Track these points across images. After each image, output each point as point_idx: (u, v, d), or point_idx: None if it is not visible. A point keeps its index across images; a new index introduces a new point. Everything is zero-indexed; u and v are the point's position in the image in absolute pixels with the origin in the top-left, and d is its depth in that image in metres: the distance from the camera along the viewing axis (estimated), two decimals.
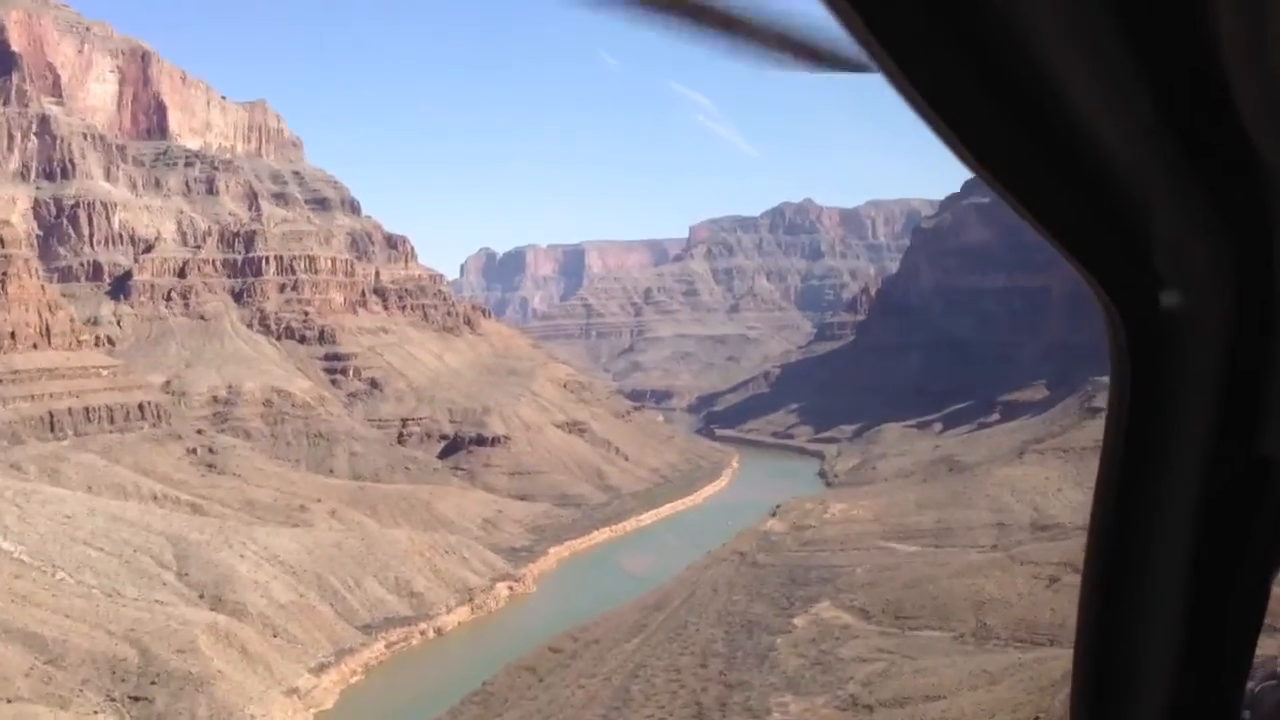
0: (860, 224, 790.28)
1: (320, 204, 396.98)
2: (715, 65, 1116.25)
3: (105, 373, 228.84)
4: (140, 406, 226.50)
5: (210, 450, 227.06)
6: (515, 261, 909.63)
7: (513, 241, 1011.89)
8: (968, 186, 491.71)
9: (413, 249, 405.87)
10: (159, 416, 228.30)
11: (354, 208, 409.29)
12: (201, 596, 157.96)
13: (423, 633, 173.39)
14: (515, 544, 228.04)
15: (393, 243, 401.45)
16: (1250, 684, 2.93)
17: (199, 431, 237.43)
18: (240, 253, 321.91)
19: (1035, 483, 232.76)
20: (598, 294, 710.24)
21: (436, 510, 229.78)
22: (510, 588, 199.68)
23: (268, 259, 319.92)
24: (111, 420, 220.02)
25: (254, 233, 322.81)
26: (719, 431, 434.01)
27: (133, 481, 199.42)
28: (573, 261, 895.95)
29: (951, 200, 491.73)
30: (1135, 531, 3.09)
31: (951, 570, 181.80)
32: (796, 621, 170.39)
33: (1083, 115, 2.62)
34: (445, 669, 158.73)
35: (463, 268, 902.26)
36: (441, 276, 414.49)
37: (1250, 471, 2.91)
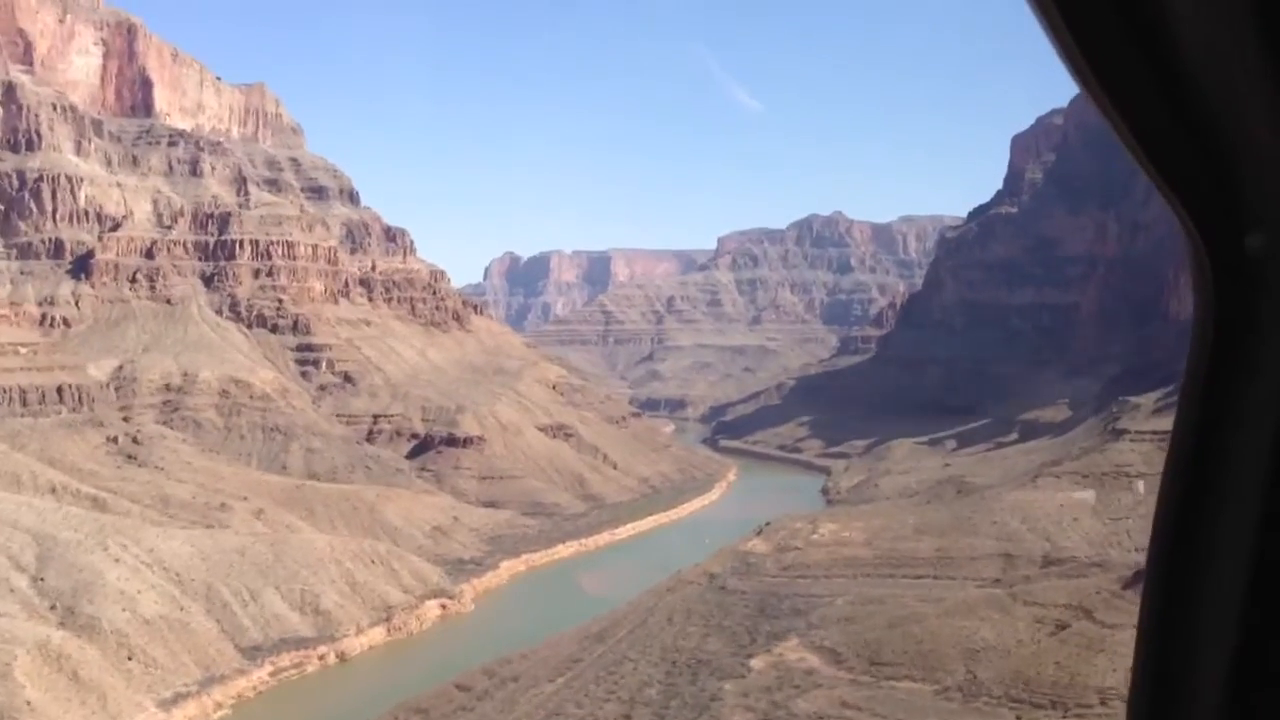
0: (891, 239, 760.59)
1: (317, 192, 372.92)
2: (756, 70, 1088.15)
3: (25, 351, 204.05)
4: (59, 390, 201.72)
5: (135, 440, 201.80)
6: (539, 266, 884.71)
7: (538, 246, 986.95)
8: (998, 197, 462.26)
9: (412, 243, 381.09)
10: (80, 401, 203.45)
11: (353, 198, 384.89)
12: (53, 608, 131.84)
13: (321, 657, 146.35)
14: (465, 555, 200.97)
15: (391, 235, 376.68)
16: None
17: (126, 419, 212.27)
18: (214, 235, 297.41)
19: (1049, 510, 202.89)
20: (618, 301, 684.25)
21: (381, 515, 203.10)
22: (443, 606, 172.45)
23: (242, 242, 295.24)
24: (24, 403, 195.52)
25: (229, 214, 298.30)
26: (724, 442, 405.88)
27: (30, 471, 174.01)
28: (598, 268, 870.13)
29: (979, 211, 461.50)
30: (1207, 486, 2.97)
31: (944, 608, 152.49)
32: (754, 663, 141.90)
33: (1195, 49, 2.63)
34: (329, 705, 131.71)
35: (486, 271, 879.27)
36: (443, 273, 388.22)
37: None
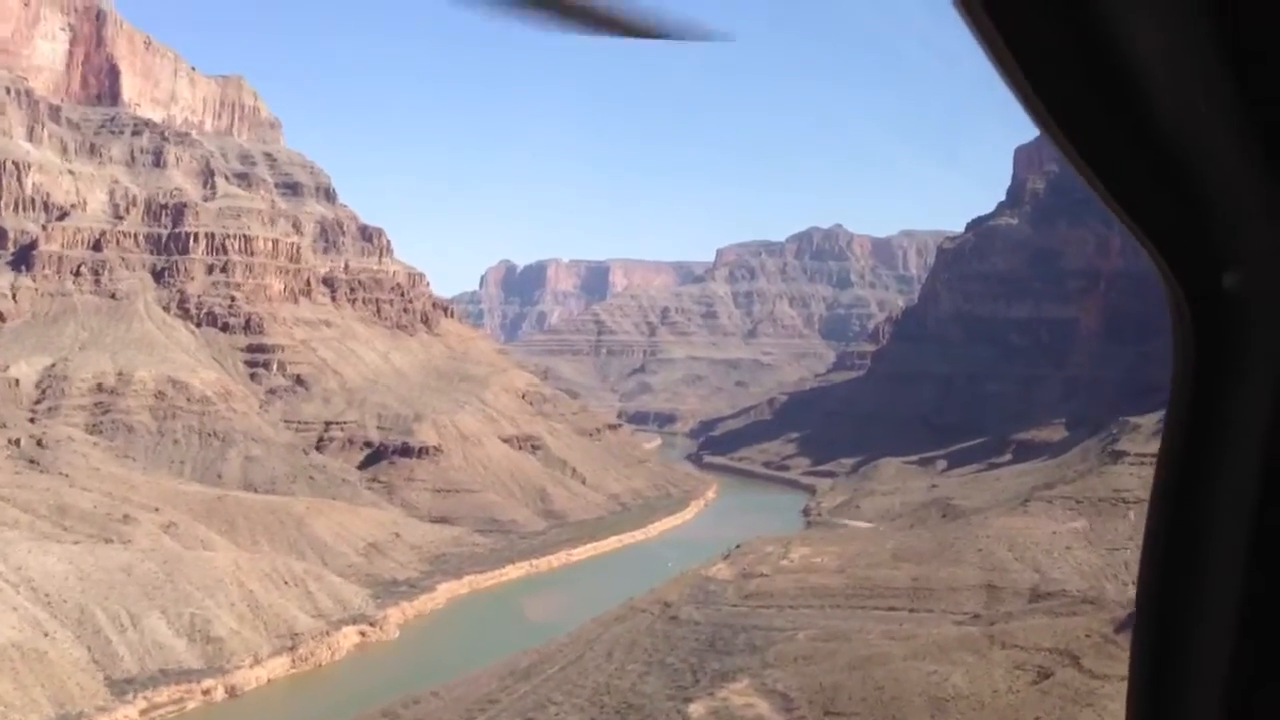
0: (891, 254, 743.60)
1: (291, 189, 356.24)
2: (746, 86, 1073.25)
3: None
4: None
5: (39, 444, 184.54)
6: (536, 275, 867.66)
7: (536, 255, 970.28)
8: (999, 209, 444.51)
9: (389, 243, 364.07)
10: None
11: (329, 195, 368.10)
12: None
13: (206, 692, 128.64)
14: (400, 576, 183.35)
15: (367, 235, 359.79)
16: None
17: (31, 420, 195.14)
18: (167, 227, 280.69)
19: (1039, 537, 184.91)
20: (612, 311, 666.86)
21: (310, 529, 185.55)
22: (362, 633, 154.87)
23: (196, 236, 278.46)
24: None
25: (183, 205, 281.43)
26: (709, 458, 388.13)
27: None
28: (596, 278, 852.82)
29: (978, 222, 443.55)
30: (1194, 520, 2.98)
31: (913, 648, 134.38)
32: (693, 709, 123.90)
33: (1162, 91, 2.60)
34: None
35: (482, 279, 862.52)
36: (421, 276, 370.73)
37: None
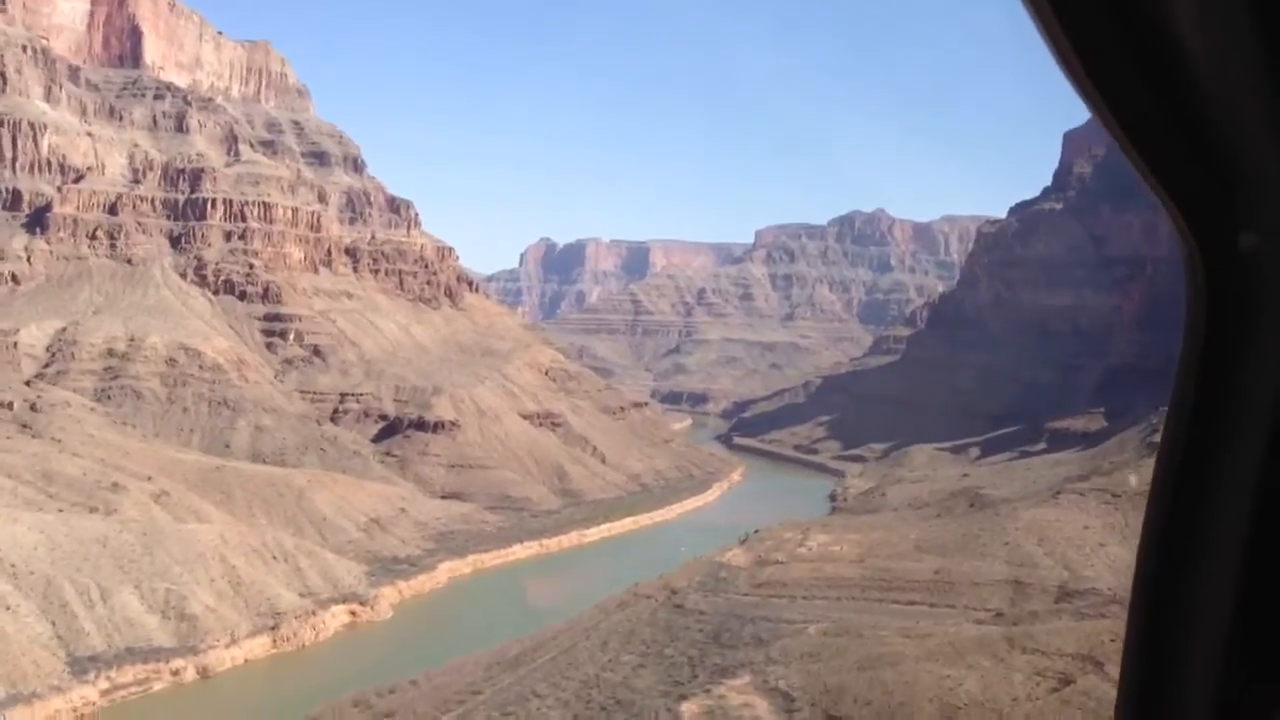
0: (933, 239, 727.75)
1: (318, 158, 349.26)
2: (791, 69, 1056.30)
3: None
4: None
5: (33, 408, 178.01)
6: (575, 254, 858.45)
7: (575, 234, 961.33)
8: (1044, 194, 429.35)
9: (416, 215, 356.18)
10: None
11: (356, 165, 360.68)
12: None
13: (176, 673, 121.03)
14: (401, 553, 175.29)
15: (395, 206, 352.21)
16: None
17: (28, 384, 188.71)
18: (184, 193, 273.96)
19: (1071, 532, 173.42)
20: (649, 290, 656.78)
21: (310, 503, 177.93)
22: (352, 613, 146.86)
23: (214, 202, 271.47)
24: None
25: (201, 171, 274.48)
26: (738, 440, 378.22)
27: None
28: (636, 258, 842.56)
29: (1021, 207, 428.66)
30: (1200, 473, 2.98)
31: (927, 648, 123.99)
32: (686, 707, 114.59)
33: (1196, 54, 2.62)
34: None
35: (522, 257, 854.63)
36: (450, 250, 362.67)
37: None
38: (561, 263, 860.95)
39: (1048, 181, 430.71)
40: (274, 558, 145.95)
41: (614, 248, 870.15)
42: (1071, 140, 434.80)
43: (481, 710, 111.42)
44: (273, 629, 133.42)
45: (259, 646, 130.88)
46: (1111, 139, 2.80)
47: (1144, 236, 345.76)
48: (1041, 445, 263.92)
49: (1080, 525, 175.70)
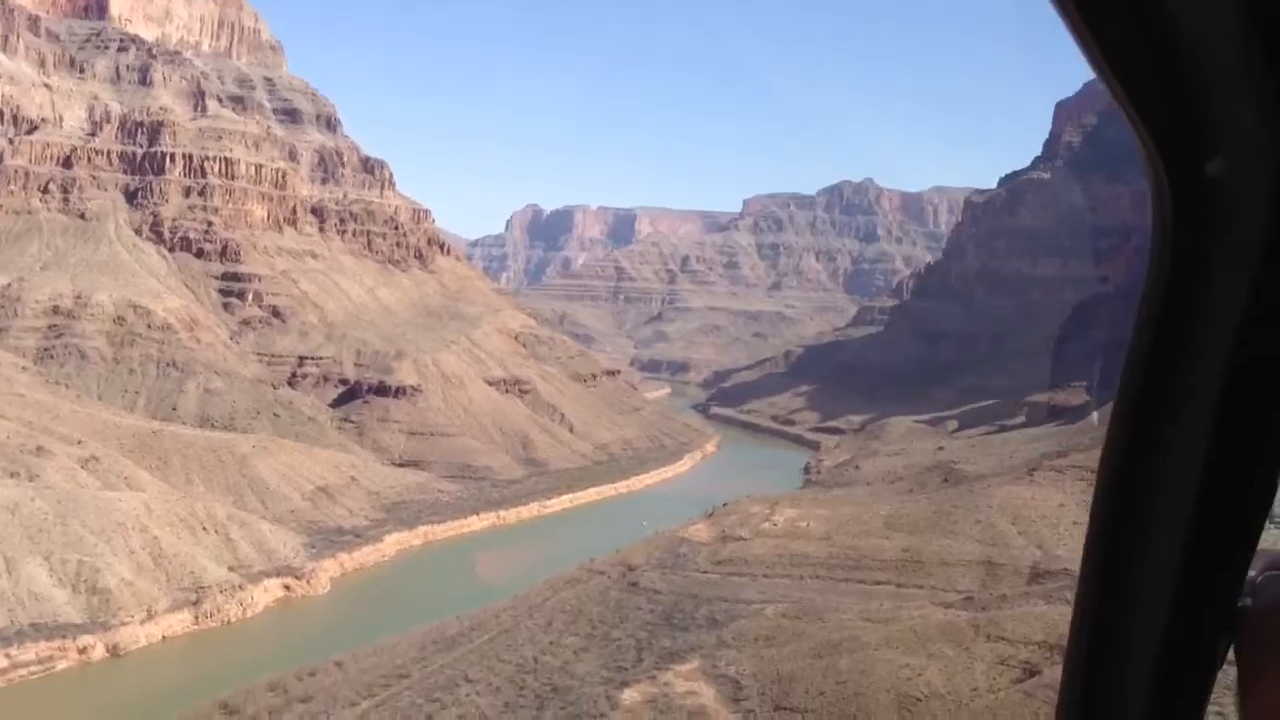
0: (921, 210, 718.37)
1: (290, 115, 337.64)
2: (783, 38, 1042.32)
3: None
4: None
5: None
6: (562, 221, 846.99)
7: (563, 200, 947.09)
8: (1034, 164, 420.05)
9: (391, 176, 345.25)
10: None
11: (330, 124, 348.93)
12: None
13: (83, 651, 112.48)
14: (347, 524, 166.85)
15: (369, 167, 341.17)
16: (1252, 573, 2.91)
17: None
18: (142, 146, 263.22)
19: (1046, 510, 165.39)
20: (632, 257, 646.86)
21: (253, 470, 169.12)
22: (286, 587, 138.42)
23: (173, 156, 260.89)
24: None
25: (160, 124, 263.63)
26: (716, 410, 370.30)
27: None
28: (623, 225, 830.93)
29: (1011, 177, 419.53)
30: (1157, 415, 2.99)
31: (888, 634, 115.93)
32: (628, 695, 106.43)
33: None
34: None
35: (508, 223, 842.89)
36: (426, 212, 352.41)
37: (1275, 357, 2.85)
38: (549, 229, 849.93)
39: (1039, 150, 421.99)
40: (203, 528, 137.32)
41: (601, 214, 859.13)
42: (1062, 110, 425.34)
43: (406, 696, 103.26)
44: (195, 604, 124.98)
45: (179, 623, 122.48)
46: (1079, 47, 2.69)
47: (1133, 207, 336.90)
48: (1020, 419, 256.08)
49: (1056, 503, 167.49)
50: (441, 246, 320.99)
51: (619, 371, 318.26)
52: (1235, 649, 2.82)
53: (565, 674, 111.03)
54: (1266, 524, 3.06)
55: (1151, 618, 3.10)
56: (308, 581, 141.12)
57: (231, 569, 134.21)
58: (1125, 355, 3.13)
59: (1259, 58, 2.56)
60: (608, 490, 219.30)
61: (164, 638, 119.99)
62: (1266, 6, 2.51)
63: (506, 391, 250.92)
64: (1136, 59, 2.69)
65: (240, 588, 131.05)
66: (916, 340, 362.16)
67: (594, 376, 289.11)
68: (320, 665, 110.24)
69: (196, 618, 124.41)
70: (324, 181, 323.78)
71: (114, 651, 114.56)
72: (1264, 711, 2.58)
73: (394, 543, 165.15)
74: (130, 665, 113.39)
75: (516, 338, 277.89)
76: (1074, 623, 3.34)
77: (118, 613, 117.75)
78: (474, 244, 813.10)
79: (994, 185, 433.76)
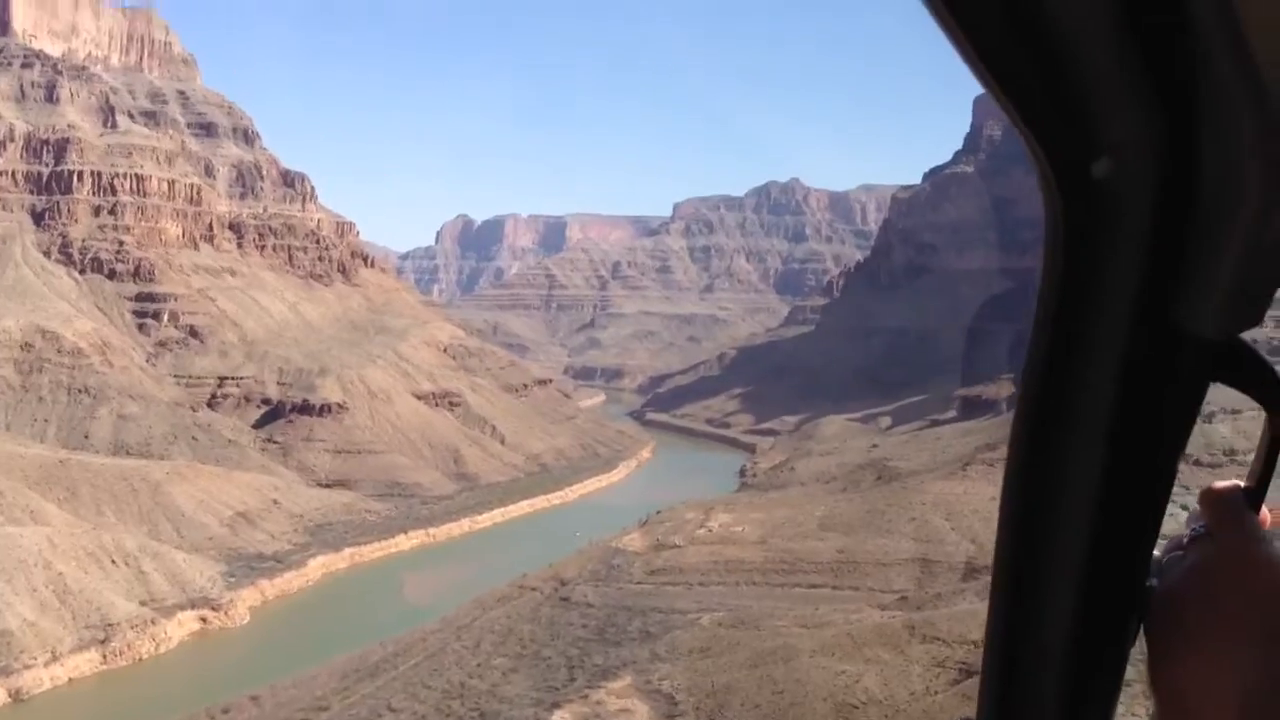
0: (849, 208, 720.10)
1: (205, 129, 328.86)
2: (709, 35, 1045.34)
3: None
4: None
5: None
6: (493, 230, 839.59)
7: (493, 210, 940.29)
8: (956, 158, 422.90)
9: (313, 189, 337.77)
10: None
11: (247, 137, 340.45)
12: None
13: None
14: (268, 549, 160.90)
15: (289, 180, 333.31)
16: (1157, 553, 3.02)
17: None
18: (49, 165, 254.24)
19: (979, 504, 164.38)
20: (563, 265, 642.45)
21: (168, 497, 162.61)
22: (203, 619, 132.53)
23: (81, 174, 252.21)
24: None
25: (66, 141, 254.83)
26: (651, 415, 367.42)
27: None
28: (554, 233, 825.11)
29: (934, 172, 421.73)
30: (1057, 408, 3.06)
31: (824, 640, 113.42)
32: (558, 717, 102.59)
33: None
34: None
35: (438, 234, 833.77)
36: (350, 225, 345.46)
37: (1166, 343, 2.92)
38: (480, 239, 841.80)
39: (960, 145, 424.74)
40: (112, 561, 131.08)
41: (532, 223, 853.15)
42: (982, 103, 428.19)
43: None
44: (103, 642, 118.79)
45: (86, 663, 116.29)
46: (960, 56, 2.74)
47: None
48: (952, 413, 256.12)
49: (988, 497, 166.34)
50: (365, 259, 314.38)
51: (551, 380, 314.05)
52: (1145, 629, 2.93)
53: (493, 698, 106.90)
54: (1171, 508, 3.20)
55: (1064, 602, 3.15)
56: (225, 612, 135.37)
57: (144, 603, 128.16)
58: (1025, 350, 3.17)
59: (1136, 60, 2.63)
60: (540, 502, 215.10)
61: (70, 680, 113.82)
62: (1142, 9, 2.57)
63: (436, 405, 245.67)
64: (1016, 64, 2.72)
65: (152, 622, 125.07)
66: (847, 338, 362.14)
67: (525, 386, 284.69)
68: (235, 701, 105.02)
69: (105, 656, 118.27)
70: (243, 196, 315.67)
71: (16, 696, 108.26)
72: (1169, 687, 2.68)
73: (318, 567, 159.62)
74: (33, 711, 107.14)
75: (445, 350, 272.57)
76: (991, 606, 3.37)
77: (20, 655, 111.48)
78: (405, 256, 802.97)
79: (919, 181, 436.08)
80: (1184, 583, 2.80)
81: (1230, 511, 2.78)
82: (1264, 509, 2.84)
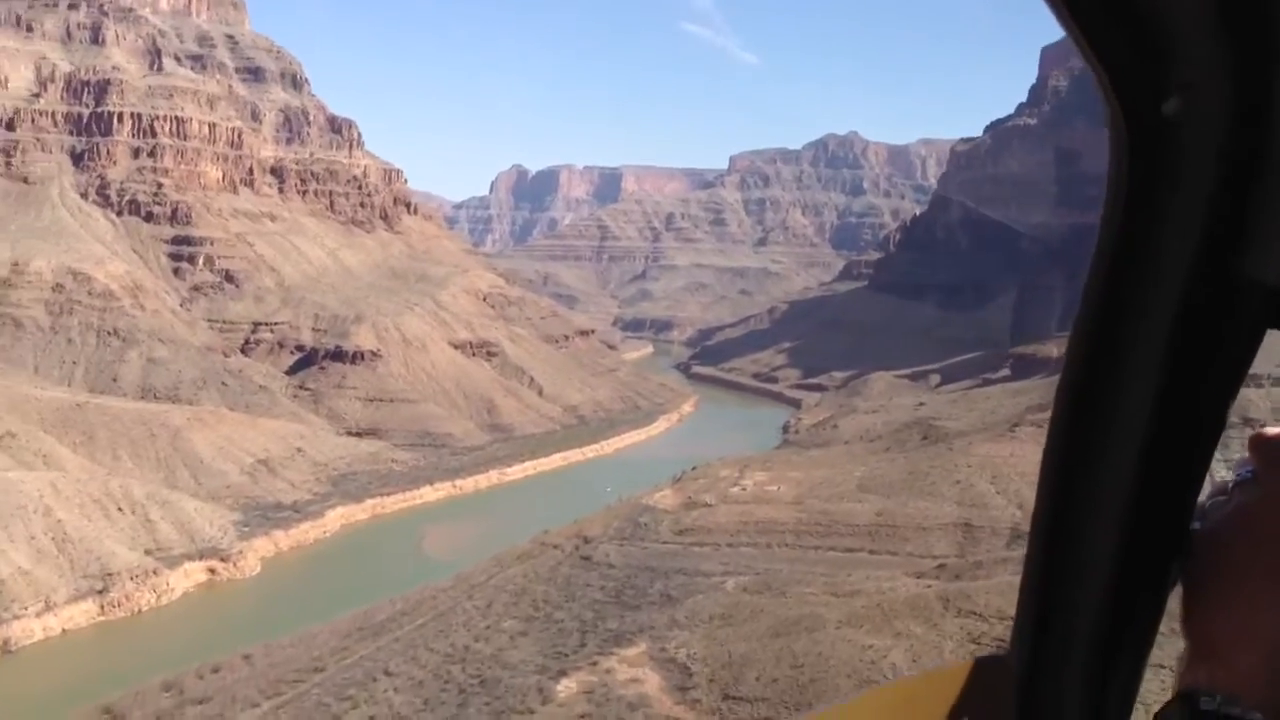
0: (909, 162, 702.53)
1: (253, 74, 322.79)
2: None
3: None
4: None
5: None
6: (548, 181, 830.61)
7: (549, 161, 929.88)
8: (1019, 110, 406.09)
9: (359, 135, 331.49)
10: None
11: (295, 83, 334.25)
12: None
13: None
14: (287, 499, 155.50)
15: (336, 126, 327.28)
16: (1200, 498, 3.00)
17: None
18: (89, 106, 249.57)
19: (1026, 468, 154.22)
20: (616, 216, 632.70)
21: (187, 443, 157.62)
22: (210, 570, 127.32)
23: (121, 116, 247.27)
24: None
25: (107, 82, 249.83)
26: (697, 368, 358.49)
27: None
28: (609, 185, 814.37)
29: (996, 124, 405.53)
30: (1113, 344, 3.06)
31: (852, 610, 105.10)
32: (562, 686, 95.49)
33: None
34: None
35: (492, 185, 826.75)
36: (399, 172, 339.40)
37: (1225, 287, 2.88)
38: (534, 190, 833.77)
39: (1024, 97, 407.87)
40: (118, 509, 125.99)
41: (587, 174, 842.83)
42: (1049, 55, 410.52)
43: (314, 694, 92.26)
44: (101, 593, 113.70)
45: (82, 614, 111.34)
46: (1048, 4, 2.70)
47: None
48: (1005, 372, 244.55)
49: (1036, 461, 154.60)
50: (409, 206, 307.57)
51: (593, 331, 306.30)
52: (1183, 572, 2.85)
53: (497, 663, 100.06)
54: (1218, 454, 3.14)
55: (1106, 545, 3.16)
56: (234, 564, 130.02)
57: (148, 552, 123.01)
58: (1082, 294, 3.19)
59: None
60: (575, 455, 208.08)
61: (64, 631, 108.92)
62: None
63: (473, 355, 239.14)
64: (1096, 7, 2.70)
65: (155, 573, 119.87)
66: (901, 294, 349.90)
67: (566, 337, 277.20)
68: (227, 660, 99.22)
69: (102, 607, 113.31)
70: (289, 142, 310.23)
71: (4, 648, 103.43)
72: (1202, 630, 2.65)
73: (337, 518, 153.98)
74: (19, 663, 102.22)
75: (485, 299, 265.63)
76: (1030, 547, 3.38)
77: (10, 605, 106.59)
78: (459, 206, 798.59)
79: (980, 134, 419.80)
80: (1226, 526, 2.75)
81: (1278, 457, 2.73)
82: None
